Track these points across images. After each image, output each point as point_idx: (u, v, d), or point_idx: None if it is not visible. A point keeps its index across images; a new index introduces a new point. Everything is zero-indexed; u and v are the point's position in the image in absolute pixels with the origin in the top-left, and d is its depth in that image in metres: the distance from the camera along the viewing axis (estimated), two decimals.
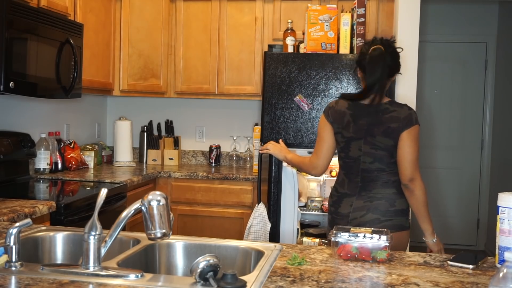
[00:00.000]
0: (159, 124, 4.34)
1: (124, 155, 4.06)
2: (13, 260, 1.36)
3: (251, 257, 1.66)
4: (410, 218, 2.33)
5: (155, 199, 1.36)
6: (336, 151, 2.40)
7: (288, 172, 3.23)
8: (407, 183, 2.21)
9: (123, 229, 1.42)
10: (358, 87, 3.44)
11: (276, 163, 3.25)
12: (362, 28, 3.43)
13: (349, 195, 2.30)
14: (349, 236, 1.58)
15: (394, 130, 2.20)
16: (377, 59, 2.22)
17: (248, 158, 4.28)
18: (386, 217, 2.22)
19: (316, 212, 3.51)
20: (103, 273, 1.32)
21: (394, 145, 2.22)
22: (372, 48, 2.25)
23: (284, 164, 3.12)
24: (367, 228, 1.69)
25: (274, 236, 3.22)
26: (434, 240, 2.25)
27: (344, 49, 3.49)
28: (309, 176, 3.61)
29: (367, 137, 2.25)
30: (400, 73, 2.35)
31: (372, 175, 2.26)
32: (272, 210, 3.25)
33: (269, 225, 3.10)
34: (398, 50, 2.31)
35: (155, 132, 4.36)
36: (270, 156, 3.04)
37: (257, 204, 3.22)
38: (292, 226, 3.25)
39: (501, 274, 1.07)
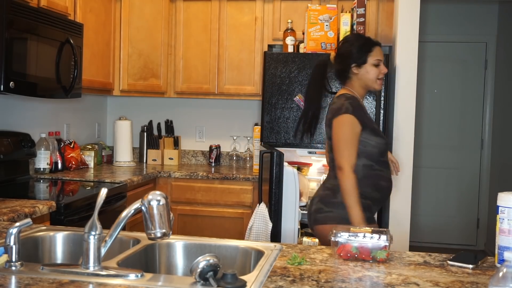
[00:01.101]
0: (159, 124, 4.34)
1: (124, 155, 4.06)
2: (13, 259, 1.36)
3: (251, 257, 1.67)
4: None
5: (155, 199, 1.36)
6: None
7: (289, 171, 3.22)
8: (336, 171, 2.29)
9: (123, 229, 1.42)
10: None
11: (277, 163, 3.24)
12: (362, 28, 3.43)
13: (322, 182, 2.52)
14: (349, 236, 1.58)
15: (329, 120, 2.37)
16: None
17: (248, 158, 4.28)
18: (329, 208, 2.32)
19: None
20: (103, 273, 1.32)
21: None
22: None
23: (285, 163, 3.14)
24: (367, 228, 1.69)
25: (275, 236, 3.21)
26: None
27: None
28: (310, 176, 3.61)
29: (325, 127, 2.46)
30: (356, 63, 2.42)
31: (331, 164, 2.41)
32: (273, 210, 3.24)
33: (270, 225, 3.09)
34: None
35: (155, 132, 4.36)
36: (272, 156, 3.04)
37: (258, 204, 3.21)
38: (293, 226, 3.24)
39: (500, 274, 1.07)
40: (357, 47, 2.43)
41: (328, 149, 2.43)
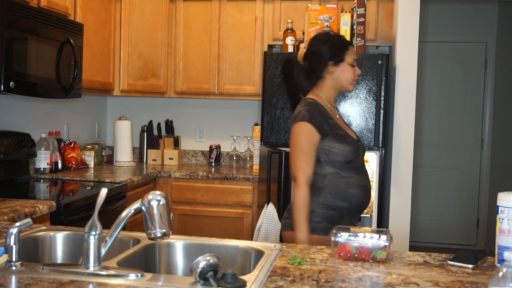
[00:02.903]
0: (159, 124, 4.34)
1: (124, 155, 4.06)
2: (13, 259, 1.36)
3: (251, 256, 1.67)
4: (312, 222, 2.16)
5: (155, 198, 1.36)
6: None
7: None
8: (292, 181, 2.19)
9: (123, 229, 1.42)
10: (357, 87, 3.44)
11: (286, 163, 3.21)
12: (362, 28, 3.43)
13: None
14: (349, 235, 1.58)
15: (290, 126, 2.28)
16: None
17: (248, 158, 4.28)
18: (288, 215, 2.23)
19: None
20: (103, 272, 1.32)
21: None
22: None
23: None
24: (367, 228, 1.69)
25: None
26: None
27: None
28: None
29: None
30: (333, 62, 2.29)
31: None
32: (282, 210, 3.21)
33: (279, 225, 3.06)
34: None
35: (155, 132, 4.36)
36: (280, 156, 3.02)
37: (266, 204, 3.18)
38: None
39: (500, 274, 1.07)
40: (335, 44, 2.29)
41: None
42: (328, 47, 2.28)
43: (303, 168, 2.15)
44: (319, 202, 2.19)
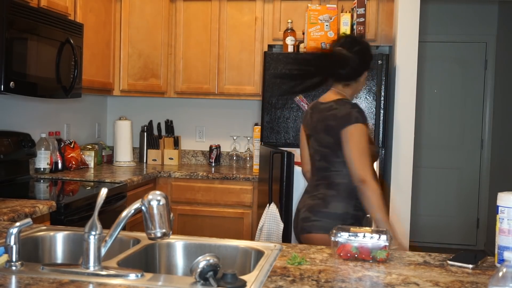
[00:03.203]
0: (159, 124, 4.34)
1: (124, 155, 4.06)
2: (13, 259, 1.36)
3: (251, 256, 1.67)
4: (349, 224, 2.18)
5: (155, 198, 1.36)
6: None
7: (298, 172, 3.19)
8: (357, 184, 2.16)
9: (123, 229, 1.42)
10: None
11: (288, 163, 3.21)
12: (362, 28, 3.43)
13: (306, 191, 2.38)
14: (349, 235, 1.58)
15: (333, 128, 2.21)
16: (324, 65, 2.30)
17: (248, 158, 4.28)
18: (316, 217, 2.22)
19: None
20: (103, 272, 1.32)
21: (335, 143, 2.21)
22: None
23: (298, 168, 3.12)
24: (367, 228, 1.69)
25: (286, 236, 3.18)
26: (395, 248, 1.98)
27: None
28: None
29: (314, 134, 2.32)
30: (370, 68, 2.36)
31: (320, 174, 2.30)
32: (284, 210, 3.21)
33: (281, 225, 3.06)
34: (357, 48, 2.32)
35: (155, 132, 4.36)
36: (282, 156, 3.02)
37: (268, 205, 3.17)
38: None
39: (500, 274, 1.07)
40: (372, 54, 2.35)
41: (318, 157, 2.31)
42: (371, 55, 2.33)
43: (369, 169, 2.14)
44: (352, 204, 2.21)
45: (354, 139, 2.16)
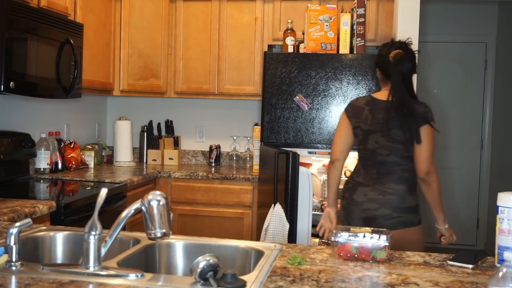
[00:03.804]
0: (159, 124, 4.34)
1: (124, 155, 4.06)
2: (13, 259, 1.36)
3: (251, 257, 1.67)
4: (419, 214, 2.45)
5: (155, 199, 1.36)
6: (356, 145, 2.55)
7: (303, 172, 3.18)
8: (424, 177, 2.36)
9: (123, 229, 1.42)
10: (358, 87, 3.44)
11: (293, 163, 3.20)
12: (362, 28, 3.43)
13: (364, 184, 2.43)
14: (349, 236, 1.58)
15: (410, 125, 2.34)
16: (398, 64, 2.37)
17: (248, 158, 4.28)
18: (397, 213, 2.36)
19: (316, 212, 3.50)
20: (103, 273, 1.32)
21: (409, 139, 2.34)
22: (394, 52, 2.39)
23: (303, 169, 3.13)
24: (367, 228, 1.69)
25: (291, 236, 3.17)
26: (446, 227, 2.50)
27: (344, 49, 3.50)
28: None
29: (384, 130, 2.38)
30: (416, 72, 2.47)
31: (386, 168, 2.39)
32: (289, 210, 3.20)
33: (287, 225, 3.05)
34: (415, 52, 2.48)
35: (155, 132, 4.36)
36: (287, 156, 3.02)
37: (273, 205, 3.16)
38: (306, 227, 3.20)
39: (500, 274, 1.07)
40: None
41: (386, 152, 2.39)
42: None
43: (434, 162, 2.38)
44: (417, 196, 2.46)
45: (431, 135, 2.35)
